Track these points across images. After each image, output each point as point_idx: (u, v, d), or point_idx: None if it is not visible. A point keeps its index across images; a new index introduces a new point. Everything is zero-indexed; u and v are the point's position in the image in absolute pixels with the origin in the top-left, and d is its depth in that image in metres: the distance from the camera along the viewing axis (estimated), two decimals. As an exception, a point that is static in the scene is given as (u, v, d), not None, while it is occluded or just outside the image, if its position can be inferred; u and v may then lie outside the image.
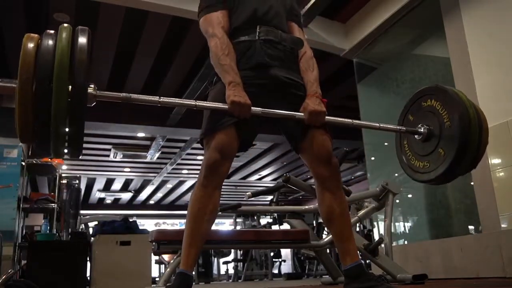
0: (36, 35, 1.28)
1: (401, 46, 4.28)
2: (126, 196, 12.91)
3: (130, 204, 13.79)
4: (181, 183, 11.47)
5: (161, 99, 1.49)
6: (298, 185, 2.77)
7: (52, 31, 1.28)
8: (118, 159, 8.92)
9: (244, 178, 11.28)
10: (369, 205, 2.81)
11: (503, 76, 2.87)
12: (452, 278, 2.86)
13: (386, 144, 4.57)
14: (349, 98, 5.30)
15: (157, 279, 5.72)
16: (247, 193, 3.08)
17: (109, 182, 11.44)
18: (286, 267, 9.13)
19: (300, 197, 12.94)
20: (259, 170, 10.61)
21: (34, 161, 5.64)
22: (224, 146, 1.55)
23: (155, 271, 6.77)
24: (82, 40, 1.27)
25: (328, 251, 3.02)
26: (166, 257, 5.86)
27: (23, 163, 4.99)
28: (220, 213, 3.18)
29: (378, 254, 2.48)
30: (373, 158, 4.50)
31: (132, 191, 12.34)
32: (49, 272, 3.58)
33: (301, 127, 1.63)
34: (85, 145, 7.28)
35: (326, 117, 1.59)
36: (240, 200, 10.54)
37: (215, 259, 7.99)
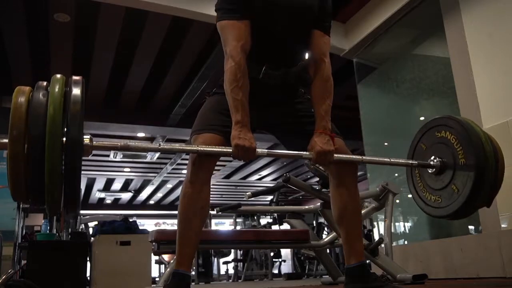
0: (27, 87, 1.23)
1: (401, 46, 4.28)
2: (126, 196, 12.91)
3: (130, 204, 13.80)
4: (181, 183, 11.40)
5: (161, 146, 1.43)
6: (298, 185, 2.77)
7: (44, 83, 1.23)
8: (118, 159, 8.92)
9: (244, 178, 11.28)
10: (369, 205, 2.81)
11: (503, 76, 2.87)
12: (452, 278, 2.86)
13: (386, 144, 4.57)
14: (349, 98, 5.30)
15: (157, 279, 5.72)
16: (247, 193, 3.08)
17: (109, 182, 11.44)
18: (286, 267, 9.13)
19: (300, 197, 12.94)
20: (259, 170, 10.61)
21: (34, 161, 5.63)
22: (208, 144, 1.53)
23: (155, 271, 6.76)
24: (76, 91, 1.23)
25: (328, 251, 3.02)
26: (166, 257, 5.87)
27: (23, 163, 4.99)
28: (220, 213, 3.19)
29: (378, 254, 2.48)
30: (373, 158, 4.49)
31: (132, 191, 12.34)
32: (49, 272, 3.58)
33: (306, 142, 1.59)
34: (85, 145, 7.13)
35: (335, 155, 1.53)
36: (240, 200, 10.54)
37: (215, 259, 7.98)
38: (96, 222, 5.39)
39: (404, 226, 4.31)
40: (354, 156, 1.61)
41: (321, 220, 6.69)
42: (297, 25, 1.62)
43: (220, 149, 1.49)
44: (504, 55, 2.88)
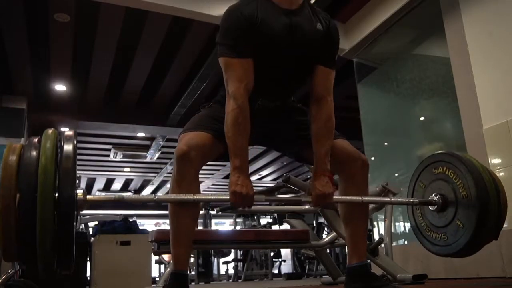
0: (18, 145, 1.21)
1: (401, 46, 4.28)
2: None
3: (130, 204, 13.79)
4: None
5: (156, 197, 1.41)
6: (298, 185, 2.76)
7: (36, 140, 1.21)
8: (118, 159, 8.92)
9: (244, 178, 11.28)
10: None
11: (503, 76, 2.87)
12: (452, 278, 2.86)
13: (386, 144, 4.57)
14: (349, 98, 5.30)
15: (157, 279, 5.72)
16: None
17: (109, 182, 11.44)
18: (286, 267, 9.12)
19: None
20: (259, 170, 10.61)
21: (34, 161, 5.62)
22: (195, 140, 1.50)
23: (155, 271, 6.76)
24: (68, 147, 1.20)
25: (328, 251, 3.02)
26: (166, 257, 5.87)
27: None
28: (220, 213, 3.18)
29: (378, 254, 2.48)
30: (373, 158, 4.50)
31: (132, 191, 12.34)
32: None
33: (307, 147, 1.59)
34: (85, 145, 7.33)
35: (335, 196, 1.53)
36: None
37: (215, 259, 7.99)
38: (96, 222, 5.40)
39: (404, 226, 4.31)
40: (354, 198, 1.59)
41: (321, 220, 6.69)
42: (298, 62, 1.58)
43: (217, 197, 1.48)
44: (504, 55, 2.88)
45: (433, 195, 1.69)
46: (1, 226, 1.11)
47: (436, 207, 1.67)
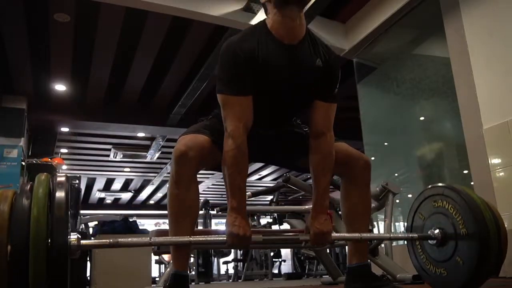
0: (10, 192, 1.21)
1: (401, 46, 4.28)
2: (126, 196, 12.91)
3: (130, 204, 13.80)
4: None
5: (152, 240, 1.41)
6: (298, 185, 2.77)
7: (28, 187, 1.20)
8: (118, 159, 8.92)
9: (244, 178, 11.28)
10: (369, 205, 2.81)
11: (503, 76, 2.87)
12: (452, 278, 2.86)
13: (386, 144, 4.57)
14: (349, 98, 5.30)
15: (157, 279, 5.72)
16: (247, 193, 3.08)
17: (109, 182, 11.44)
18: (286, 267, 9.12)
19: (300, 197, 12.94)
20: (259, 170, 10.61)
21: (34, 161, 5.64)
22: (193, 141, 1.50)
23: (155, 271, 6.76)
24: (60, 194, 1.18)
25: (328, 251, 3.02)
26: (166, 257, 5.87)
27: (23, 163, 4.99)
28: (220, 213, 3.18)
29: (378, 254, 2.48)
30: (373, 158, 4.49)
31: (132, 191, 12.34)
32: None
33: (305, 155, 1.59)
34: (85, 145, 7.33)
35: (334, 234, 1.53)
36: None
37: (215, 259, 7.98)
38: (96, 222, 5.39)
39: (404, 226, 4.31)
40: (353, 235, 1.58)
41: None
42: (297, 97, 1.56)
43: (213, 239, 1.48)
44: (504, 55, 2.88)
45: (433, 229, 1.67)
46: None
47: (435, 241, 1.66)
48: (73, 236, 1.23)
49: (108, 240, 1.34)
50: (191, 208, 1.53)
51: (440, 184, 1.77)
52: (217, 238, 1.44)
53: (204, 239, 1.45)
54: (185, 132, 1.61)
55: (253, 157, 1.58)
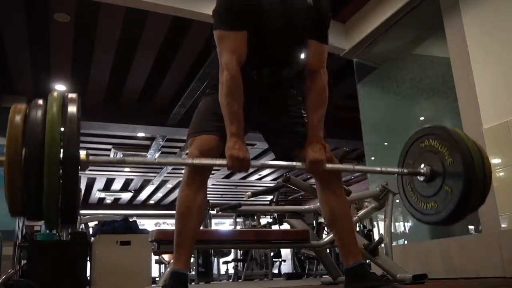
0: (23, 106, 1.25)
1: (401, 46, 4.28)
2: (126, 196, 12.91)
3: (130, 204, 13.80)
4: (181, 183, 11.47)
5: (157, 160, 1.46)
6: (298, 185, 2.77)
7: (41, 102, 1.25)
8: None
9: (244, 178, 11.29)
10: (369, 205, 2.81)
11: (503, 76, 2.87)
12: (452, 278, 2.86)
13: (386, 144, 4.57)
14: (349, 98, 5.31)
15: (157, 279, 5.72)
16: (247, 193, 3.08)
17: (109, 182, 11.44)
18: (286, 267, 9.13)
19: (300, 197, 12.94)
20: (259, 170, 10.61)
21: (34, 161, 5.61)
22: (204, 146, 1.57)
23: (155, 271, 6.76)
24: (72, 109, 1.24)
25: (328, 251, 3.02)
26: (166, 257, 5.87)
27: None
28: (220, 213, 3.19)
29: (378, 254, 2.48)
30: (373, 158, 4.50)
31: (132, 191, 12.34)
32: (49, 272, 3.58)
33: (294, 142, 1.64)
34: (85, 145, 7.32)
35: (327, 165, 1.55)
36: (240, 200, 10.54)
37: (215, 259, 7.99)
38: (96, 222, 5.39)
39: (404, 226, 4.31)
40: (346, 166, 1.65)
41: (321, 220, 6.68)
42: (290, 34, 1.60)
43: (215, 162, 1.53)
44: (504, 55, 2.88)
45: (422, 165, 1.76)
46: (7, 180, 1.15)
47: (424, 177, 1.74)
48: (83, 152, 1.29)
49: (115, 158, 1.48)
50: (199, 210, 1.60)
51: (424, 127, 1.86)
52: (218, 162, 1.51)
53: (205, 162, 1.52)
54: (193, 130, 1.64)
55: (252, 122, 1.62)
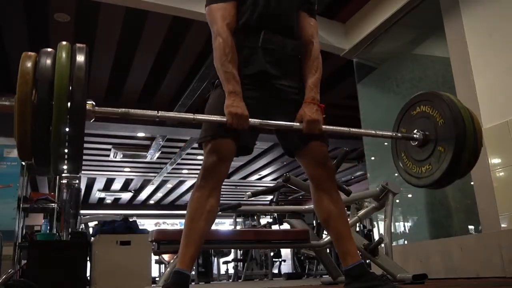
0: (33, 53, 1.28)
1: (401, 46, 4.28)
2: (126, 196, 12.91)
3: (130, 204, 13.79)
4: (181, 183, 11.47)
5: (160, 114, 1.55)
6: (298, 185, 2.77)
7: (50, 50, 1.29)
8: (118, 159, 8.92)
9: (244, 178, 11.29)
10: (369, 205, 2.81)
11: (503, 76, 2.87)
12: (452, 278, 2.86)
13: (386, 144, 4.57)
14: (349, 98, 5.31)
15: (157, 279, 5.72)
16: (247, 193, 3.08)
17: (109, 182, 11.44)
18: (286, 267, 9.13)
19: (300, 197, 12.95)
20: (259, 170, 10.61)
21: (34, 161, 5.61)
22: (221, 150, 1.59)
23: (155, 271, 6.76)
24: (80, 58, 1.28)
25: (328, 251, 3.02)
26: (166, 257, 5.86)
27: (23, 163, 4.99)
28: (220, 213, 3.18)
29: (378, 254, 2.48)
30: (373, 158, 4.50)
31: (132, 191, 12.34)
32: (49, 272, 3.58)
33: (299, 136, 1.64)
34: (85, 145, 7.28)
35: (324, 126, 1.59)
36: (240, 200, 10.54)
37: (215, 259, 7.99)
38: (96, 222, 5.40)
39: (404, 226, 4.31)
40: (341, 128, 1.69)
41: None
42: (287, 2, 1.70)
43: (214, 118, 1.56)
44: (504, 55, 2.88)
45: (415, 131, 1.80)
46: (18, 124, 1.20)
47: (417, 142, 1.78)
48: (89, 101, 1.35)
49: (119, 110, 1.57)
50: (210, 213, 1.59)
51: (415, 95, 1.90)
52: (218, 119, 1.54)
53: (206, 118, 1.58)
54: (206, 134, 1.63)
55: (260, 111, 1.62)
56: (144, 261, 4.02)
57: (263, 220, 8.51)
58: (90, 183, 11.31)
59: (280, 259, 8.05)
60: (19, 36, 4.62)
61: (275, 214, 6.53)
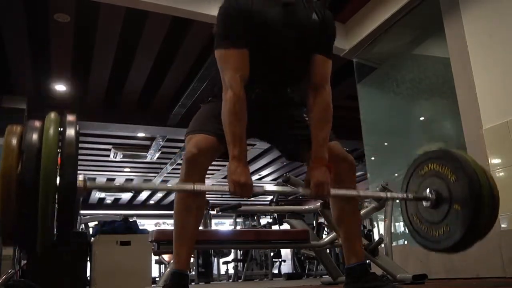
0: (19, 127, 1.20)
1: (401, 46, 4.28)
2: (126, 196, 12.91)
3: (130, 204, 13.79)
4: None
5: (157, 186, 1.44)
6: (298, 185, 2.77)
7: (37, 123, 1.20)
8: (118, 159, 8.91)
9: (244, 178, 11.28)
10: (369, 205, 2.81)
11: (503, 76, 2.87)
12: (452, 278, 2.86)
13: (386, 144, 4.57)
14: (349, 98, 5.30)
15: (157, 279, 5.72)
16: (247, 193, 3.07)
17: (109, 182, 11.43)
18: (286, 267, 9.13)
19: (300, 197, 12.89)
20: (259, 170, 10.61)
21: (34, 161, 5.61)
22: (202, 144, 1.54)
23: (155, 271, 6.76)
24: (70, 132, 1.20)
25: (328, 251, 3.03)
26: (166, 257, 5.87)
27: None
28: (220, 213, 3.18)
29: (378, 254, 2.48)
30: (373, 158, 4.50)
31: (132, 191, 12.32)
32: (49, 272, 3.58)
33: (299, 147, 1.64)
34: (85, 145, 7.33)
35: (332, 190, 1.52)
36: (240, 200, 10.53)
37: (215, 259, 7.99)
38: (96, 222, 5.39)
39: (404, 226, 4.30)
40: (350, 191, 1.60)
41: (321, 220, 6.69)
42: (296, 51, 1.58)
43: (217, 187, 1.51)
44: (504, 55, 2.88)
45: (427, 191, 1.68)
46: (0, 206, 1.11)
47: (430, 202, 1.66)
48: (80, 177, 1.24)
49: (113, 184, 1.38)
50: (198, 210, 1.58)
51: (436, 149, 1.80)
52: (220, 188, 1.48)
53: (207, 188, 1.51)
54: (191, 129, 1.63)
55: (252, 131, 1.59)
56: (144, 261, 4.02)
57: (263, 220, 8.52)
58: (90, 183, 11.30)
59: (280, 259, 8.05)
60: (19, 36, 4.62)
61: (275, 214, 6.53)
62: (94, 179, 10.93)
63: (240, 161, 1.43)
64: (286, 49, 1.55)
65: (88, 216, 6.74)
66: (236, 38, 1.49)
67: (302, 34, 1.56)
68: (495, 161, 2.82)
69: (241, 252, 7.52)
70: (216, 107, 1.57)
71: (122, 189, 1.38)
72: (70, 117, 1.24)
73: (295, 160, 1.71)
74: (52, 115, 1.23)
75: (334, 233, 2.69)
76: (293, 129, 1.69)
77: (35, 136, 1.15)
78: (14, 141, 1.15)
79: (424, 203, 1.68)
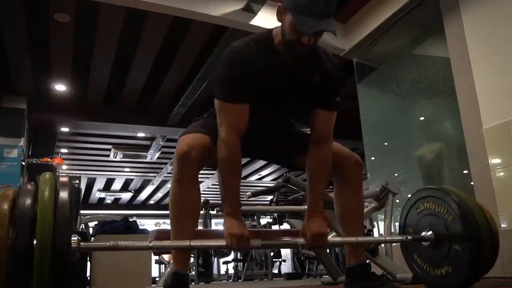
0: (11, 191, 1.19)
1: (401, 46, 4.28)
2: (126, 196, 12.91)
3: (130, 204, 13.80)
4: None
5: (152, 244, 1.40)
6: (298, 185, 2.77)
7: (30, 187, 1.20)
8: (118, 159, 8.92)
9: (244, 178, 11.28)
10: (369, 205, 2.81)
11: (503, 76, 2.87)
12: (452, 278, 2.86)
13: (386, 144, 4.57)
14: (349, 98, 5.30)
15: (157, 279, 5.72)
16: (247, 193, 3.08)
17: (109, 182, 11.44)
18: (286, 267, 9.12)
19: (300, 197, 12.94)
20: (259, 170, 10.61)
21: (34, 161, 5.65)
22: (193, 141, 1.52)
23: (155, 271, 6.76)
24: (63, 194, 1.18)
25: (328, 251, 3.02)
26: (166, 257, 5.86)
27: (23, 163, 4.99)
28: (220, 213, 3.18)
29: (378, 254, 2.48)
30: (373, 158, 4.50)
31: (132, 191, 12.34)
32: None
33: (293, 154, 1.65)
34: (85, 145, 7.34)
35: (329, 238, 1.56)
36: (240, 200, 10.50)
37: (215, 259, 7.98)
38: (96, 222, 5.39)
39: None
40: (348, 238, 1.60)
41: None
42: (297, 108, 1.60)
43: (213, 243, 1.53)
44: (504, 55, 2.88)
45: (425, 231, 1.68)
46: None
47: (430, 242, 1.65)
48: (74, 238, 1.23)
49: (107, 243, 1.33)
50: (193, 208, 1.56)
51: (429, 186, 1.79)
52: (217, 243, 1.48)
53: (204, 244, 1.50)
54: (184, 132, 1.62)
55: (249, 153, 1.61)
56: (144, 261, 4.01)
57: (263, 220, 8.52)
58: (90, 183, 11.31)
59: (280, 259, 8.04)
60: (19, 36, 4.62)
61: (275, 214, 6.52)
62: (94, 179, 10.93)
63: (233, 217, 1.46)
64: (286, 105, 1.57)
65: (88, 216, 6.74)
66: (238, 95, 1.47)
67: (303, 95, 1.56)
68: (495, 161, 2.82)
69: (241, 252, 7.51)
70: (211, 122, 1.56)
71: (114, 248, 1.33)
72: (63, 179, 1.24)
73: (290, 168, 1.72)
74: (47, 175, 1.22)
75: (334, 233, 2.69)
76: (290, 140, 1.71)
77: (28, 202, 1.14)
78: (5, 207, 1.13)
79: (424, 243, 1.68)
